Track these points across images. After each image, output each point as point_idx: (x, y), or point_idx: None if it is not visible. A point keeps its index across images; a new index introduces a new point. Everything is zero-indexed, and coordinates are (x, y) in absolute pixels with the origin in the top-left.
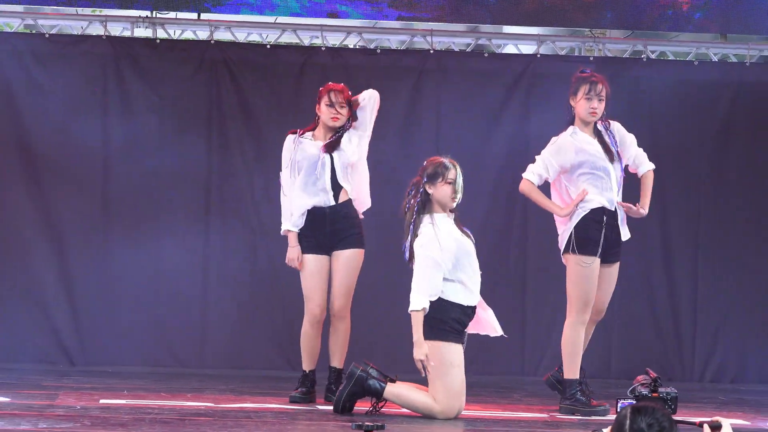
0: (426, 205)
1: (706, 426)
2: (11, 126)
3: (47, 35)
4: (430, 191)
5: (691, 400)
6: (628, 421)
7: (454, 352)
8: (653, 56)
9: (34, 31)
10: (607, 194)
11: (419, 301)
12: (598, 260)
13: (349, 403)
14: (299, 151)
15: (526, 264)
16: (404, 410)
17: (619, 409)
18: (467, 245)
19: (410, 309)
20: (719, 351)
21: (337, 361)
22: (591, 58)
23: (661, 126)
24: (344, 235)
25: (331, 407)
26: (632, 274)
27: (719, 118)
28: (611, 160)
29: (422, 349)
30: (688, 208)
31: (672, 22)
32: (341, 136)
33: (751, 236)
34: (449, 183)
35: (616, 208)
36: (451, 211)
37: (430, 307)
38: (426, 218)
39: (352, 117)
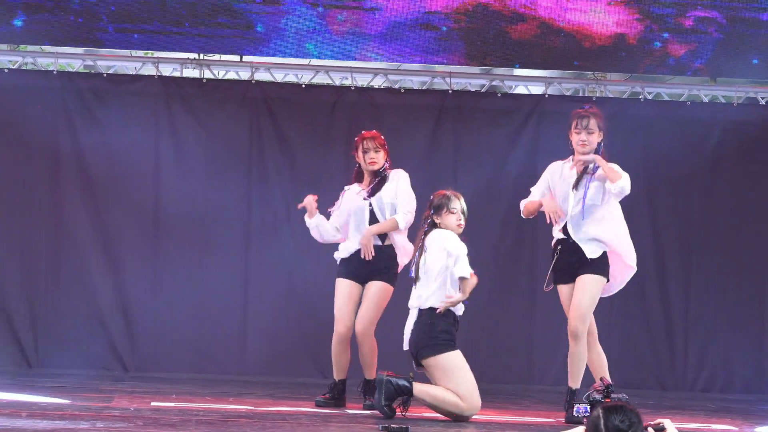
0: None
1: (650, 429)
2: (73, 155)
3: (105, 75)
4: (437, 221)
5: (683, 408)
6: (602, 421)
7: (454, 357)
8: (650, 97)
9: (93, 71)
10: (561, 223)
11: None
12: (570, 286)
13: (388, 407)
14: (345, 200)
15: (534, 283)
16: (426, 414)
17: (575, 413)
18: None
19: (463, 274)
20: (709, 363)
21: (367, 374)
22: (594, 99)
23: (656, 159)
24: (380, 269)
25: (361, 411)
26: (629, 294)
27: (709, 152)
28: (575, 187)
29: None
30: (681, 233)
31: (667, 67)
32: (382, 183)
33: (737, 260)
34: (453, 212)
35: (569, 236)
36: None
37: (422, 327)
38: (434, 230)
39: (389, 159)
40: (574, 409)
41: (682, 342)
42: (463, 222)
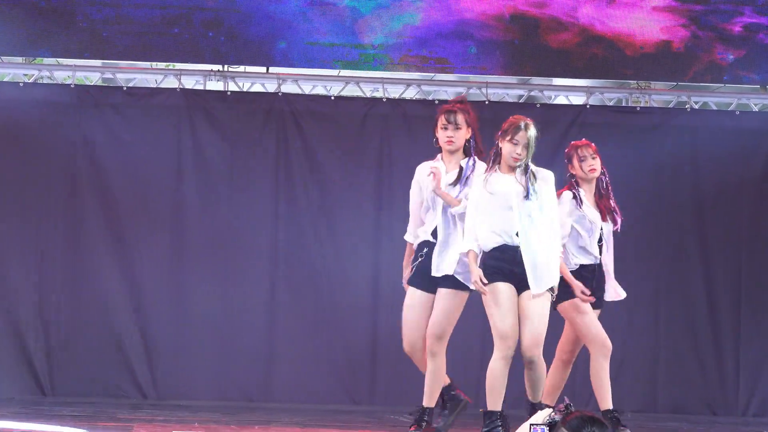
0: (497, 158)
1: None
2: (91, 172)
3: (125, 88)
4: (501, 145)
5: None
6: None
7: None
8: (696, 107)
9: (112, 85)
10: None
11: (463, 244)
12: None
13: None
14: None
15: None
16: None
17: None
18: (505, 198)
19: (459, 251)
20: (762, 386)
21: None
22: (638, 108)
23: (703, 171)
24: None
25: None
26: (676, 312)
27: (759, 164)
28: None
29: (473, 275)
30: (730, 248)
31: (714, 74)
32: None
33: None
34: (515, 143)
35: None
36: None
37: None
38: (481, 168)
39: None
40: (531, 430)
41: (733, 363)
42: (520, 156)
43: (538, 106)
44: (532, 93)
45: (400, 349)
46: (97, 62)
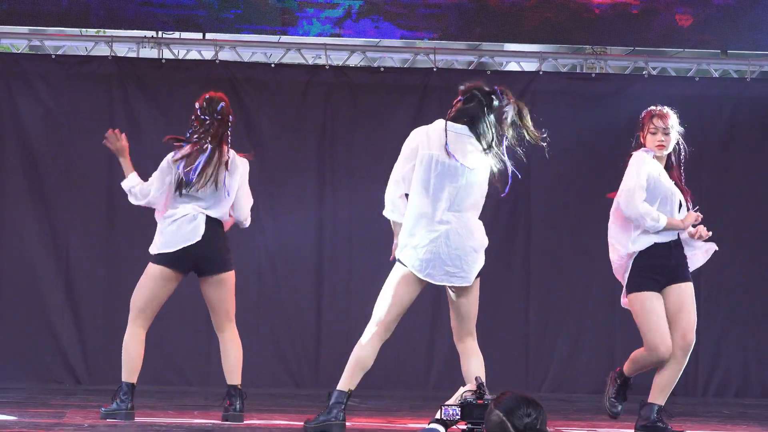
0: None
1: None
2: (18, 146)
3: (53, 56)
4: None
5: (695, 414)
6: (509, 425)
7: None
8: (654, 72)
9: (40, 52)
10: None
11: (385, 209)
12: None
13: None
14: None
15: (529, 278)
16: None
17: (443, 414)
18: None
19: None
20: (722, 366)
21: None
22: (593, 75)
23: None
24: None
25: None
26: None
27: (720, 133)
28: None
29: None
30: None
31: (673, 39)
32: None
33: (751, 250)
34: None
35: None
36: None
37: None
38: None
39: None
40: (443, 411)
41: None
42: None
43: (489, 73)
44: (483, 59)
45: (345, 333)
46: (24, 29)
